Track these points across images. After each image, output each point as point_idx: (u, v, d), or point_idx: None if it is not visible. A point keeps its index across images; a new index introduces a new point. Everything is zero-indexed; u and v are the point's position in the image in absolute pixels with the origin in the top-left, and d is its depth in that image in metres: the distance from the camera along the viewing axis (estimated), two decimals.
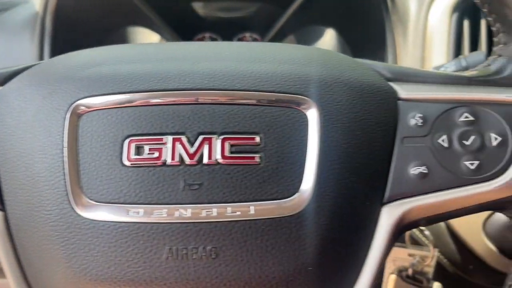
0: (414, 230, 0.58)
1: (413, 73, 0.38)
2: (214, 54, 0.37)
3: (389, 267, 0.59)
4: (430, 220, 0.37)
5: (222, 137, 0.33)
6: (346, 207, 0.33)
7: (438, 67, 0.55)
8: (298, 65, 0.36)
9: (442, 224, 0.77)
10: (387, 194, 0.35)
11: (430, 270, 0.58)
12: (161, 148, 0.33)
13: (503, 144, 0.35)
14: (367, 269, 0.34)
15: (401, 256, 0.59)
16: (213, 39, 0.99)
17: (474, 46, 0.76)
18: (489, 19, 0.38)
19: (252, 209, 0.32)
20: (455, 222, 0.74)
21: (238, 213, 0.32)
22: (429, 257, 0.57)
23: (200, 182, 0.32)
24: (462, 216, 0.38)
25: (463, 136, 0.35)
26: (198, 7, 0.95)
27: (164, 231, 0.31)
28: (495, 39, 0.38)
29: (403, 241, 0.59)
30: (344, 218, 0.33)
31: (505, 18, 0.37)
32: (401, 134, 0.36)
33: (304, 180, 0.33)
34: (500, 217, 0.71)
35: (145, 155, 0.33)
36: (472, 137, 0.35)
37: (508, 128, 0.35)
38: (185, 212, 0.32)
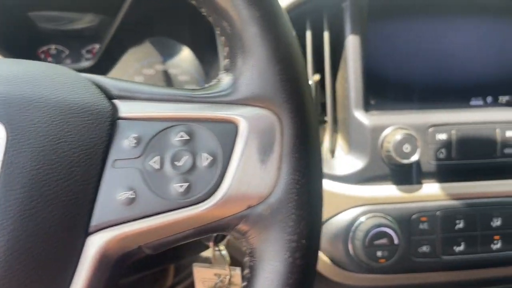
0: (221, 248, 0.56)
1: (140, 89, 0.35)
2: None
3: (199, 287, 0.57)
4: (155, 247, 0.35)
5: None
6: (32, 242, 0.30)
7: None
8: None
9: None
10: (93, 223, 0.32)
11: None
12: None
13: (213, 163, 0.33)
14: None
15: (209, 276, 0.56)
16: (59, 51, 0.94)
17: (335, 61, 0.76)
18: (216, 32, 0.37)
19: None
20: None
21: None
22: (232, 276, 0.55)
23: None
24: (186, 241, 0.36)
25: (176, 156, 0.33)
26: (36, 19, 0.89)
27: None
28: (224, 54, 0.37)
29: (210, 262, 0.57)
30: (30, 255, 0.30)
31: (225, 31, 0.35)
32: (114, 156, 0.33)
33: None
34: (330, 229, 0.71)
35: None
36: (185, 158, 0.33)
37: (219, 146, 0.34)
38: None
